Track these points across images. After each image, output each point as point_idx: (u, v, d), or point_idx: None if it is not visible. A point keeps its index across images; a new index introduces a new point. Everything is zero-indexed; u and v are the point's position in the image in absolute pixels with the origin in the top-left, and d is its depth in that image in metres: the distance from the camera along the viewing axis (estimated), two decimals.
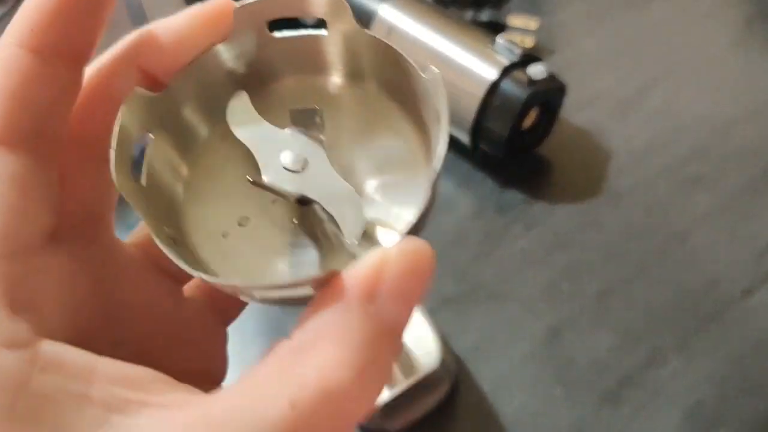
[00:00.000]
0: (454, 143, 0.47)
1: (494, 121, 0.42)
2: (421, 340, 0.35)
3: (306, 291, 0.14)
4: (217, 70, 0.18)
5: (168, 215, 0.17)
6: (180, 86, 0.18)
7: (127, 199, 0.15)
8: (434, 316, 0.37)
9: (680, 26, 0.56)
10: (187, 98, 0.18)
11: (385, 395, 0.33)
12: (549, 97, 0.43)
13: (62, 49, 0.15)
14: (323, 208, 0.17)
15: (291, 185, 0.17)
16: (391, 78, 0.18)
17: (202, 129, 0.19)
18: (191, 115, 0.18)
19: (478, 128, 0.43)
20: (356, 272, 0.13)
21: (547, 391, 0.36)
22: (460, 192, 0.46)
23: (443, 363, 0.35)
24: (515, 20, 0.53)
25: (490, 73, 0.42)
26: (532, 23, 0.53)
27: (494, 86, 0.42)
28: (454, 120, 0.44)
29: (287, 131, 0.18)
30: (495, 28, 0.53)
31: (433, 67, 0.16)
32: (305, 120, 0.18)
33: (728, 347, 0.37)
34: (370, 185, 0.18)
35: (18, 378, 0.12)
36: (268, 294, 0.15)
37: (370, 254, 0.13)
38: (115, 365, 0.13)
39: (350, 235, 0.16)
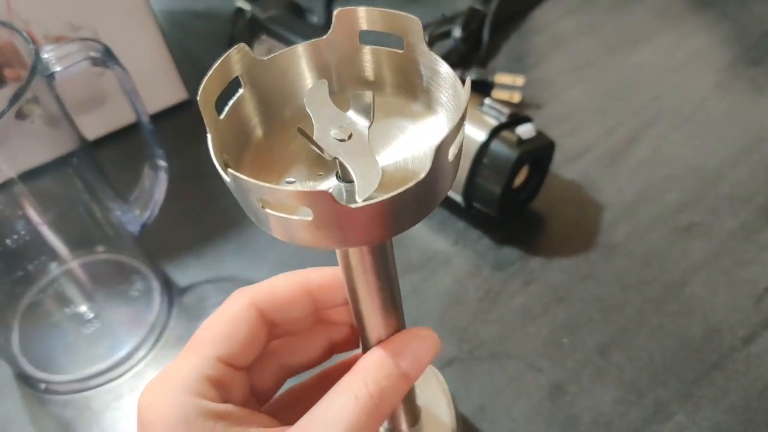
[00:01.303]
0: (448, 202, 0.48)
1: (486, 180, 0.43)
2: (434, 408, 0.35)
3: (305, 214, 0.18)
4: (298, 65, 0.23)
5: (231, 150, 0.21)
6: (273, 68, 0.23)
7: (203, 115, 0.20)
8: None
9: (663, 72, 0.57)
10: (275, 78, 0.23)
11: None
12: (539, 155, 0.44)
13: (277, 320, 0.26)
14: (348, 169, 0.20)
15: (330, 147, 0.20)
16: (403, 82, 0.23)
17: (283, 107, 0.23)
18: (277, 88, 0.23)
19: (470, 188, 0.44)
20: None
21: None
22: (457, 250, 0.46)
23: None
24: (502, 78, 0.54)
25: (479, 135, 0.43)
26: (518, 80, 0.54)
27: (484, 147, 0.43)
28: None
29: (347, 113, 0.22)
30: (483, 86, 0.54)
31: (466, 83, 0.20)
32: (360, 103, 0.22)
33: (732, 396, 0.37)
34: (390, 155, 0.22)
35: (224, 414, 0.23)
36: (270, 196, 0.18)
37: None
38: (253, 415, 0.25)
39: (360, 194, 0.19)
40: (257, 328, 0.25)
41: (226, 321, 0.25)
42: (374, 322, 0.25)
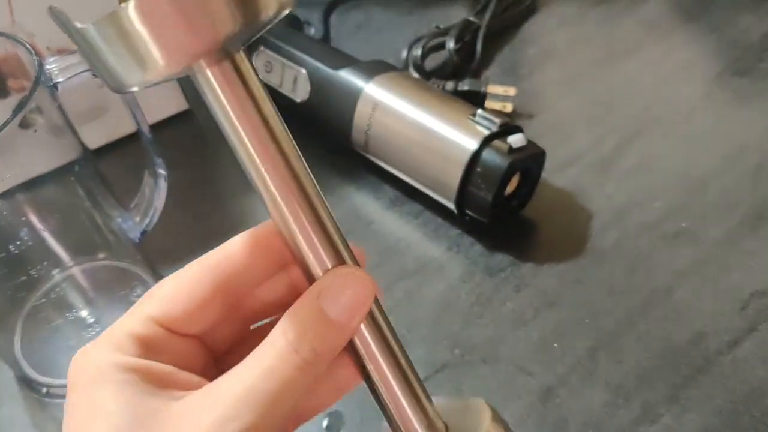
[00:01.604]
0: (442, 209, 0.49)
1: (478, 188, 0.44)
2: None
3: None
4: None
5: None
6: None
7: None
8: (428, 382, 0.38)
9: (652, 82, 0.59)
10: None
11: None
12: (529, 163, 0.45)
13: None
14: None
15: None
16: None
17: None
18: None
19: (463, 195, 0.45)
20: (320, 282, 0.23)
21: None
22: (450, 256, 0.47)
23: None
24: (495, 88, 0.55)
25: (471, 144, 0.44)
26: (510, 90, 0.55)
27: (476, 156, 0.44)
28: (441, 188, 0.46)
29: None
30: (476, 96, 0.55)
31: None
32: None
33: (718, 400, 0.38)
34: None
35: (140, 369, 0.22)
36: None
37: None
38: (178, 373, 0.23)
39: None
40: (205, 296, 0.24)
41: (172, 285, 0.24)
42: (295, 237, 0.23)
